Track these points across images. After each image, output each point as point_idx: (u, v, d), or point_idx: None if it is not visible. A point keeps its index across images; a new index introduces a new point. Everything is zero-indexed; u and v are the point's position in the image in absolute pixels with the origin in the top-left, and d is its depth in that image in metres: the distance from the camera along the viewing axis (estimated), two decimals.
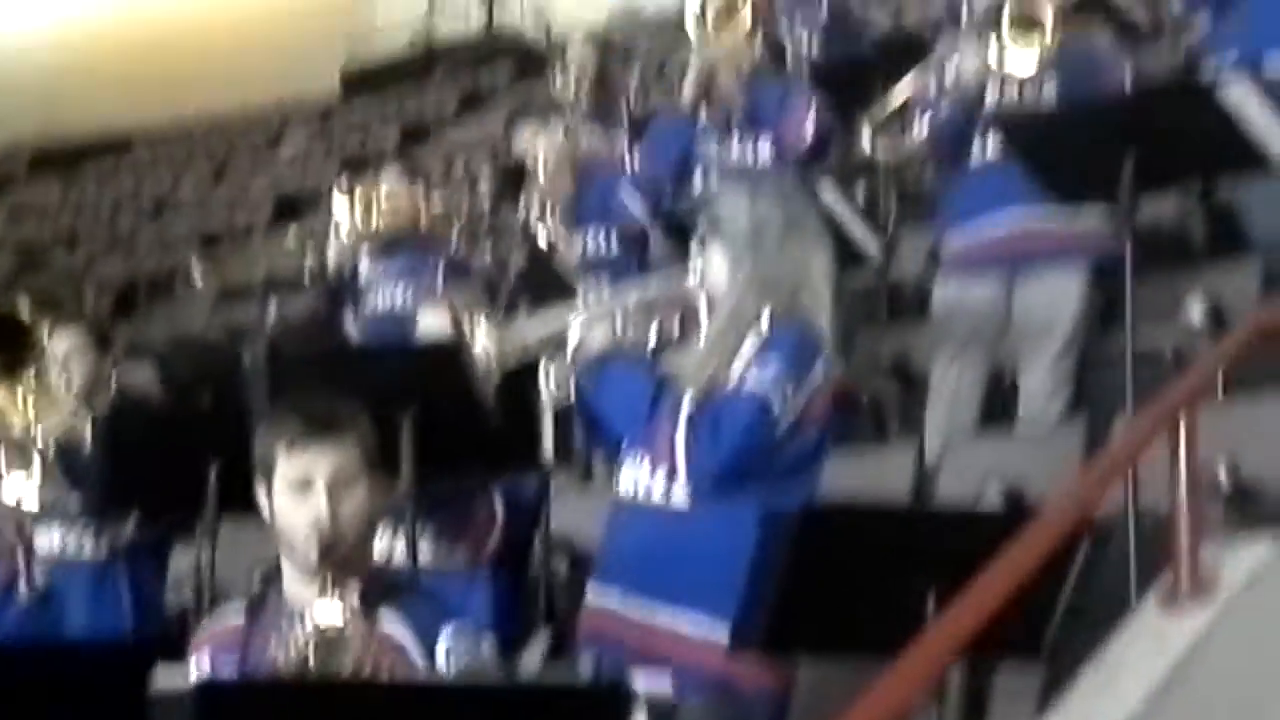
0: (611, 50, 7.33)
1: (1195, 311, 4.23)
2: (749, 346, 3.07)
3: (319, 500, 2.60)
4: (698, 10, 5.26)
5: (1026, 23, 4.25)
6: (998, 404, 4.58)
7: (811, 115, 5.12)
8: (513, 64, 14.64)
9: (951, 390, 4.53)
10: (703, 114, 5.19)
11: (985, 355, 4.53)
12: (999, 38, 4.25)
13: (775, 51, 5.44)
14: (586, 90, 6.82)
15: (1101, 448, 3.88)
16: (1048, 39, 4.23)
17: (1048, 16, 4.25)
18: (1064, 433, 4.19)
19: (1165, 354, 4.18)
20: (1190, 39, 6.13)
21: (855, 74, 5.97)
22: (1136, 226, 3.76)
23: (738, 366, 3.06)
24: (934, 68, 4.63)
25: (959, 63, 4.40)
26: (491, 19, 16.34)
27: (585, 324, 3.19)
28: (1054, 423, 4.35)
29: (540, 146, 5.85)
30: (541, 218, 5.70)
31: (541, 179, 5.76)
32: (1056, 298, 4.39)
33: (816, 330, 3.08)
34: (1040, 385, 4.43)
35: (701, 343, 3.15)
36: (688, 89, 5.24)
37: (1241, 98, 3.46)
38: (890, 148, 5.06)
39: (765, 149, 5.13)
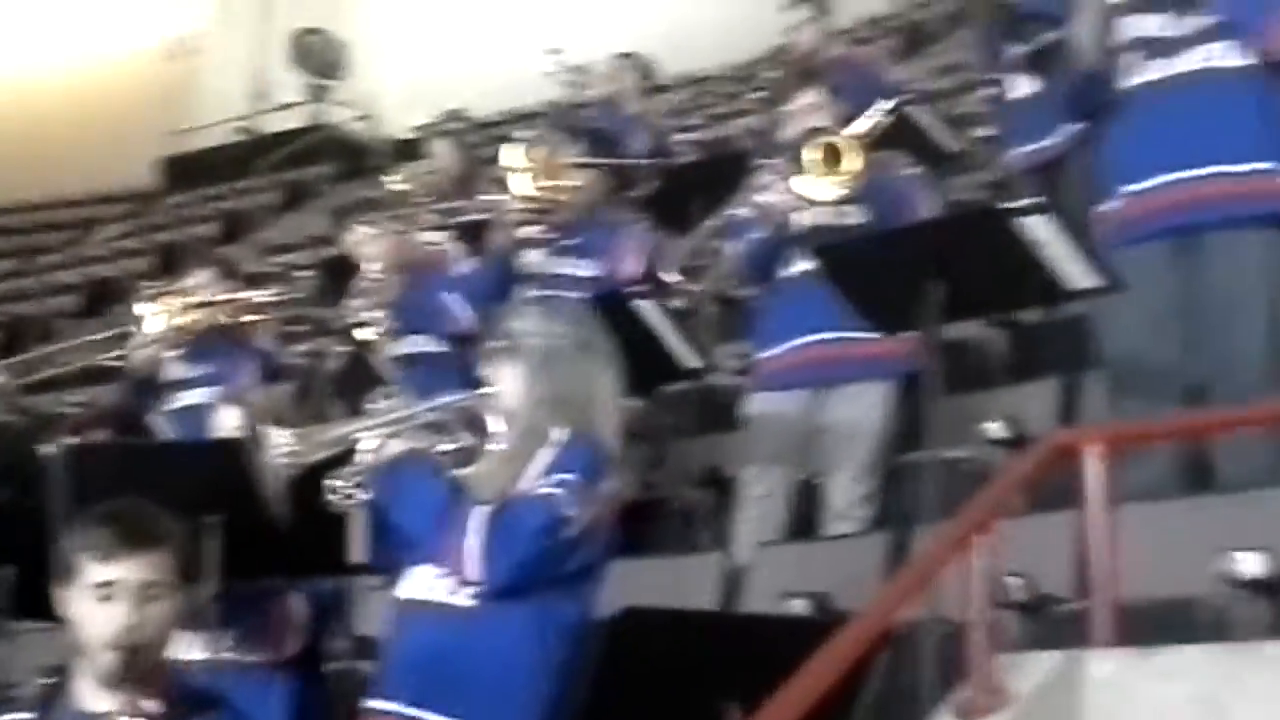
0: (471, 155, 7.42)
1: (995, 429, 4.36)
2: (541, 459, 3.11)
3: (124, 610, 2.54)
4: (514, 162, 5.36)
5: (833, 152, 4.40)
6: (806, 515, 4.66)
7: (640, 246, 5.30)
8: (338, 160, 14.59)
9: (760, 500, 4.61)
10: (530, 232, 5.35)
11: (793, 466, 4.62)
12: (806, 166, 4.40)
13: (603, 184, 5.54)
14: (442, 192, 6.90)
15: (904, 559, 3.98)
16: (853, 167, 4.38)
17: (852, 147, 4.40)
18: (868, 544, 4.28)
19: (967, 469, 4.30)
20: (999, 167, 6.40)
21: (674, 196, 6.12)
22: (941, 345, 3.91)
23: (529, 478, 3.09)
24: (746, 193, 4.78)
25: (769, 188, 4.53)
26: (318, 114, 16.29)
27: (382, 430, 3.19)
28: (859, 533, 4.44)
29: (371, 245, 5.84)
30: (365, 317, 5.68)
31: (370, 278, 5.74)
32: (862, 412, 4.53)
33: (606, 446, 3.15)
34: (846, 497, 4.55)
35: (495, 455, 3.18)
36: (515, 213, 5.37)
37: (1041, 229, 3.61)
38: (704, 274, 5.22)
39: (591, 270, 5.26)
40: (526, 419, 3.18)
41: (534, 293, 5.21)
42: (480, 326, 5.34)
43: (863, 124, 4.64)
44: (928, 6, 11.77)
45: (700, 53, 12.02)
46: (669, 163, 6.88)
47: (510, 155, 5.44)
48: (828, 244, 4.25)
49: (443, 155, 7.38)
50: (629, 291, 4.90)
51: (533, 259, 5.34)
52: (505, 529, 3.00)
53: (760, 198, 4.60)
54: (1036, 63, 5.52)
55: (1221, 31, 3.78)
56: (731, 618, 3.90)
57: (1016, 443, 4.26)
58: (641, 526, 4.93)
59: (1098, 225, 3.82)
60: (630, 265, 5.24)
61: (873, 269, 3.91)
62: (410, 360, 5.55)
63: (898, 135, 5.58)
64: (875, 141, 4.65)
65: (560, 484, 3.04)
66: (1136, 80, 3.87)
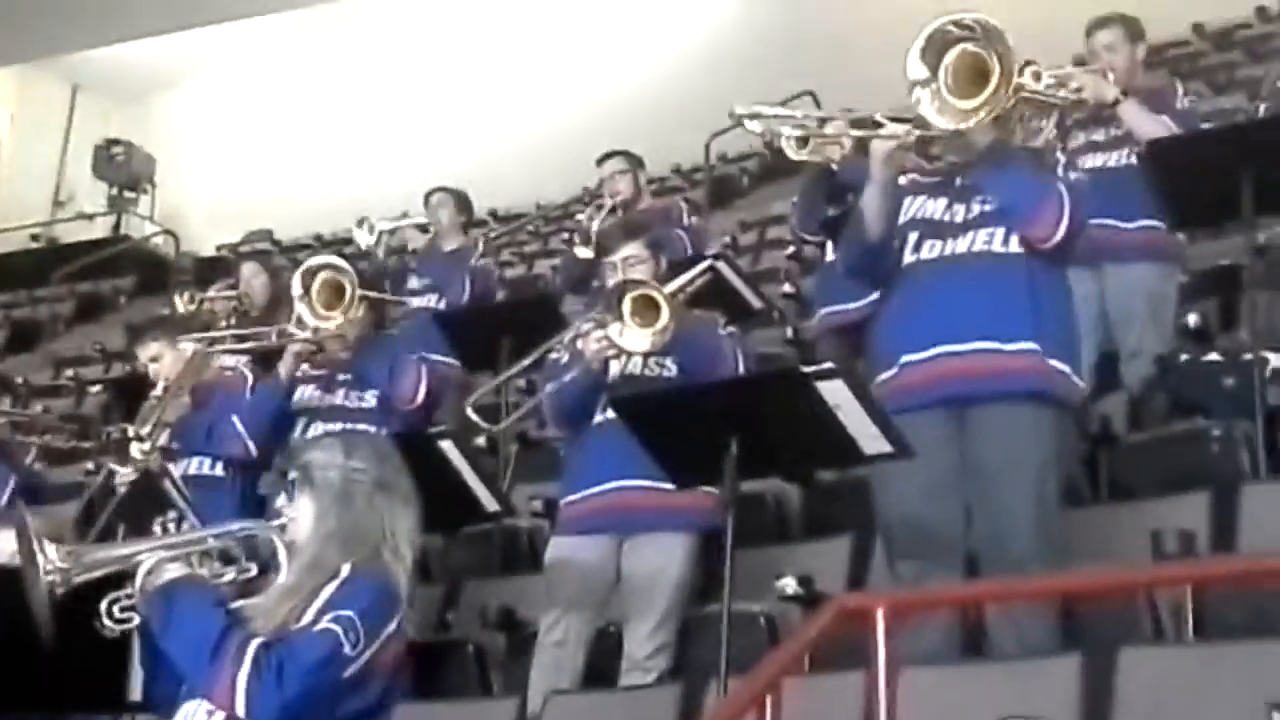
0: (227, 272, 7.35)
1: (789, 585, 4.43)
2: (324, 594, 3.05)
3: None
4: (300, 292, 5.38)
5: (649, 304, 4.50)
6: (602, 663, 4.66)
7: (423, 376, 5.36)
8: (138, 274, 14.31)
9: (556, 647, 4.60)
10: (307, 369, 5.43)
11: (592, 613, 4.63)
12: (620, 316, 4.48)
13: (378, 316, 5.64)
14: (243, 314, 6.80)
15: (696, 713, 4.01)
16: (667, 321, 4.47)
17: (669, 301, 4.51)
18: (661, 695, 4.29)
19: (760, 623, 4.36)
20: (804, 325, 6.58)
21: (485, 332, 6.16)
22: (739, 499, 3.99)
23: (311, 612, 3.03)
24: (562, 338, 4.84)
25: (585, 335, 4.61)
26: (119, 226, 15.99)
27: (161, 553, 3.11)
28: (651, 685, 4.45)
29: (166, 362, 5.76)
30: (153, 434, 5.55)
31: (160, 395, 5.63)
32: (662, 562, 4.56)
33: (395, 586, 3.11)
34: (642, 647, 4.56)
35: (276, 588, 3.12)
36: (283, 369, 5.44)
37: (837, 392, 3.72)
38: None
39: (370, 401, 5.33)
40: (313, 552, 3.11)
41: (317, 425, 5.25)
42: (263, 454, 5.30)
43: (681, 280, 4.76)
44: (736, 162, 12.11)
45: (510, 191, 12.17)
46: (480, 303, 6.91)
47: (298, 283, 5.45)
48: (625, 396, 4.34)
49: (248, 277, 7.31)
50: (433, 432, 4.89)
51: (310, 391, 5.40)
52: (277, 664, 2.91)
53: (577, 344, 4.67)
54: (836, 229, 5.74)
55: (996, 218, 3.98)
56: None
57: (810, 600, 4.33)
58: (434, 668, 4.88)
59: (877, 392, 3.95)
60: (411, 394, 5.31)
61: (673, 422, 3.98)
62: (186, 482, 5.43)
63: (709, 292, 5.73)
64: (692, 296, 4.76)
65: (338, 620, 2.97)
66: (917, 256, 4.05)
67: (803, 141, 5.10)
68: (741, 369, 4.67)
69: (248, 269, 7.44)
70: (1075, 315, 4.15)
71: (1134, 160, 5.27)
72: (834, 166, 5.56)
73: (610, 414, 4.48)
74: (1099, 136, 5.45)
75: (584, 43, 15.29)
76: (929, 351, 3.96)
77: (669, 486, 4.30)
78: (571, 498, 4.71)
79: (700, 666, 4.26)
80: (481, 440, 6.18)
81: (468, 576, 5.50)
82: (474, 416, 5.31)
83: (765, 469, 4.30)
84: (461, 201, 7.53)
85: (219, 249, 14.89)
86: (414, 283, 7.11)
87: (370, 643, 2.99)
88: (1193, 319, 5.14)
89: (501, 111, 14.75)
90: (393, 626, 3.05)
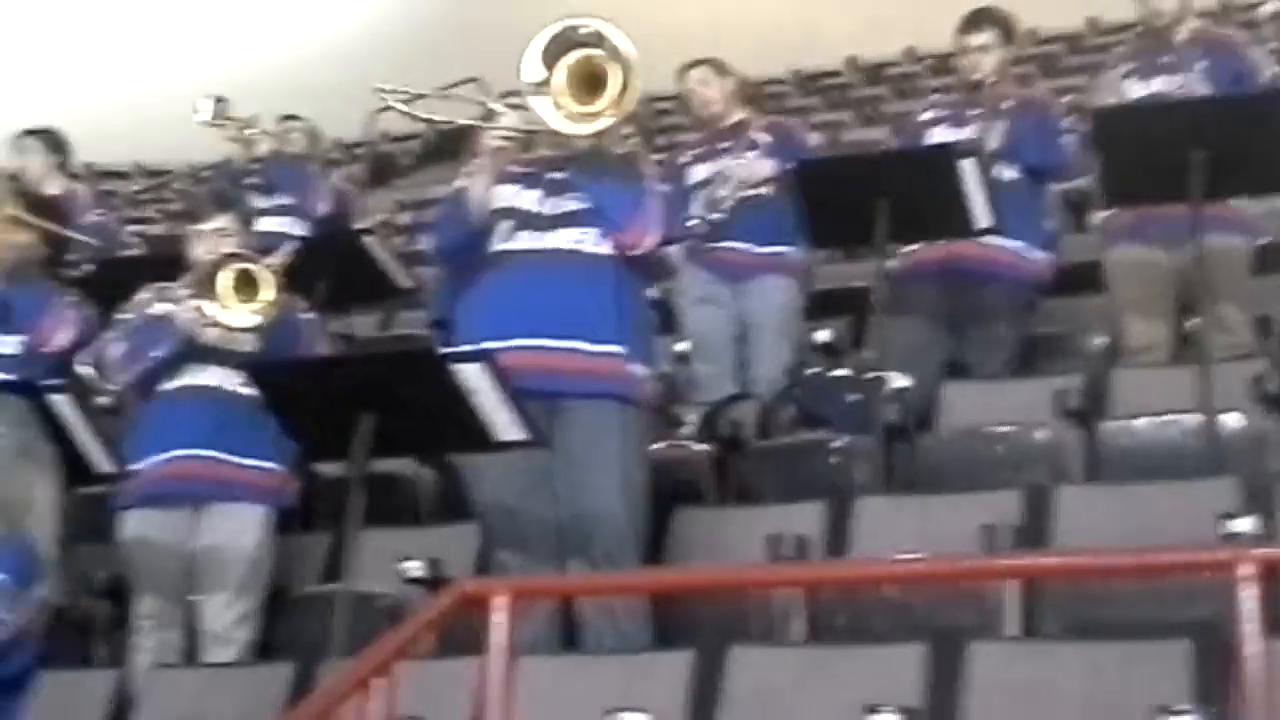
0: None
1: (414, 567, 4.38)
2: None
3: None
4: None
5: (247, 279, 4.48)
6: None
7: (72, 319, 5.15)
8: None
9: (149, 624, 4.45)
10: None
11: (172, 588, 4.49)
12: (219, 290, 4.46)
13: (43, 256, 5.36)
14: None
15: (307, 693, 3.92)
16: (269, 298, 4.48)
17: (269, 279, 4.50)
18: (271, 674, 4.18)
19: (383, 605, 4.30)
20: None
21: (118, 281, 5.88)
22: (370, 480, 3.93)
23: None
24: (144, 299, 4.71)
25: (179, 302, 4.55)
26: None
27: None
28: (252, 662, 4.38)
29: None
30: None
31: None
32: (235, 533, 4.49)
33: (39, 551, 2.96)
34: (219, 622, 4.47)
35: None
36: None
37: (474, 377, 3.71)
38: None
39: (12, 347, 5.01)
40: None
41: None
42: None
43: (280, 256, 4.81)
44: (400, 140, 11.96)
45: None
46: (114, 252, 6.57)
47: None
48: (258, 362, 4.28)
49: None
50: (47, 384, 4.65)
51: None
52: None
53: (173, 306, 4.58)
54: None
55: (587, 218, 4.05)
56: None
57: (435, 583, 4.29)
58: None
59: None
60: (60, 337, 5.07)
61: (305, 394, 3.91)
62: None
63: (345, 264, 5.68)
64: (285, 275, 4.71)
65: None
66: (508, 246, 4.08)
67: None
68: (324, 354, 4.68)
69: None
70: (652, 317, 4.30)
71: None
72: None
73: (188, 381, 4.44)
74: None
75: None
76: (512, 341, 3.95)
77: (240, 460, 4.37)
78: (140, 464, 4.56)
79: (319, 646, 4.17)
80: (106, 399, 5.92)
81: (76, 542, 5.22)
82: (87, 372, 5.04)
83: (398, 449, 4.25)
84: (54, 143, 6.83)
85: None
86: None
87: (18, 613, 2.83)
88: (823, 335, 5.34)
89: (160, 60, 14.18)
90: (41, 591, 2.89)
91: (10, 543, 2.96)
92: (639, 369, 4.05)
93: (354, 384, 3.82)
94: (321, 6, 14.88)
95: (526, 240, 4.07)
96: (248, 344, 4.55)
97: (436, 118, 4.57)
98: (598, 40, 3.88)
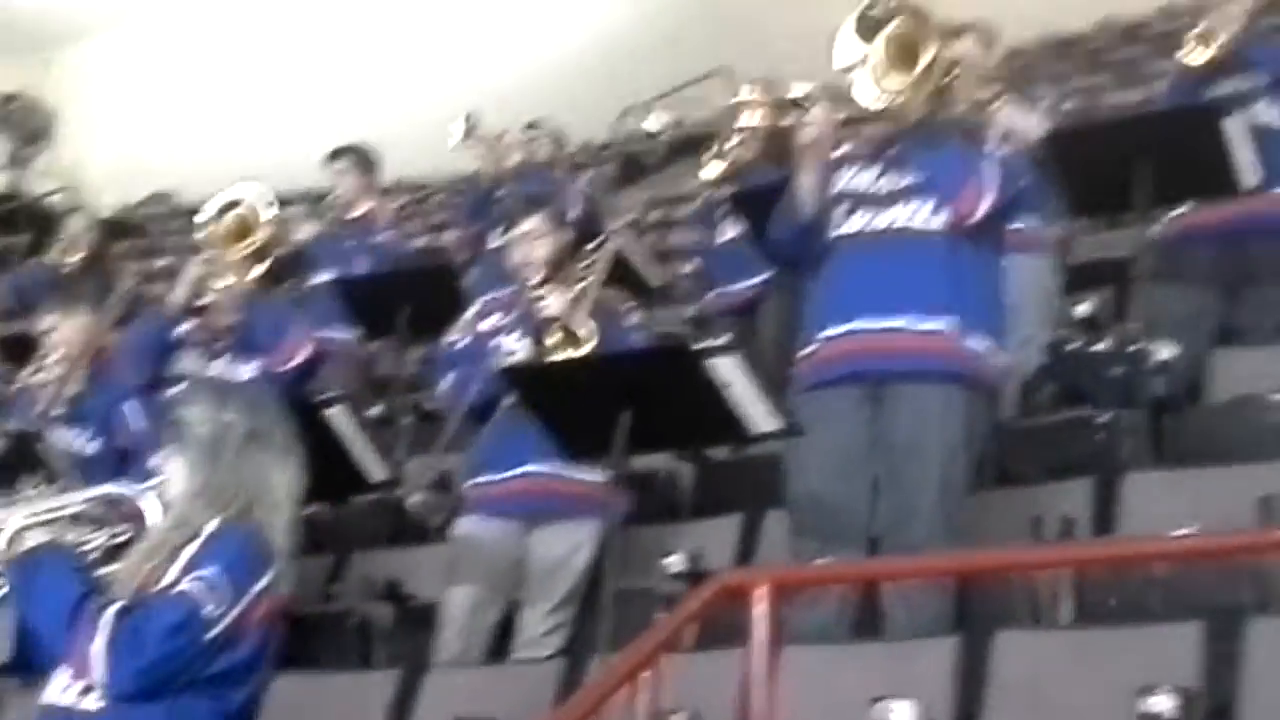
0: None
1: (676, 562, 4.44)
2: (187, 554, 2.96)
3: None
4: (211, 214, 5.25)
5: (565, 280, 4.56)
6: (498, 641, 4.64)
7: (307, 346, 5.21)
8: (34, 232, 14.00)
9: (461, 621, 4.57)
10: (189, 326, 5.20)
11: (499, 591, 4.61)
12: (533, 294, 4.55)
13: (276, 275, 5.43)
14: (75, 269, 6.57)
15: (578, 686, 4.00)
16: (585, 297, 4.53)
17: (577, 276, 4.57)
18: (547, 670, 4.28)
19: (648, 600, 4.36)
20: (701, 304, 6.58)
21: (384, 298, 6.11)
22: (629, 476, 3.99)
23: (173, 572, 2.94)
24: (467, 322, 4.82)
25: (488, 317, 4.67)
26: (16, 182, 15.65)
27: (25, 518, 3.03)
28: (536, 659, 4.45)
29: (63, 333, 5.35)
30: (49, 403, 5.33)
31: (56, 365, 5.31)
32: (568, 549, 4.57)
33: (265, 541, 3.00)
34: (537, 626, 4.56)
35: (138, 550, 3.03)
36: (178, 292, 5.21)
37: (727, 370, 3.73)
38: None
39: (250, 372, 5.11)
40: (178, 510, 3.01)
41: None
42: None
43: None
44: (649, 139, 12.03)
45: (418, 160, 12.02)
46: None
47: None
48: (515, 365, 4.33)
49: (71, 231, 7.05)
50: (321, 399, 4.82)
51: (187, 362, 5.17)
52: (133, 630, 2.84)
53: (481, 325, 4.68)
54: (739, 208, 5.75)
55: (920, 193, 3.98)
56: None
57: (696, 577, 4.33)
58: (318, 640, 4.84)
59: (797, 367, 3.95)
60: (298, 356, 5.13)
61: (563, 395, 3.98)
62: (75, 460, 5.22)
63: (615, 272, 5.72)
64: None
65: (200, 579, 2.88)
66: (843, 230, 4.04)
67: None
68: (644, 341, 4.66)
69: (72, 224, 7.18)
70: (1001, 294, 4.11)
71: None
72: None
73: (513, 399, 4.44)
74: None
75: (503, 8, 15.17)
76: (845, 326, 3.95)
77: (577, 475, 4.38)
78: (480, 479, 4.68)
79: (588, 643, 4.26)
80: (376, 411, 6.15)
81: (355, 548, 5.44)
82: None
83: (656, 444, 4.31)
84: (364, 161, 7.08)
85: (113, 208, 14.63)
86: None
87: (235, 605, 2.91)
88: (1083, 309, 5.21)
89: (415, 77, 14.62)
90: (263, 583, 2.96)
91: (227, 532, 2.98)
92: (977, 343, 3.94)
93: (611, 382, 3.87)
94: (567, 12, 15.11)
95: (859, 221, 4.03)
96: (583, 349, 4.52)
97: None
98: (903, 10, 3.86)
